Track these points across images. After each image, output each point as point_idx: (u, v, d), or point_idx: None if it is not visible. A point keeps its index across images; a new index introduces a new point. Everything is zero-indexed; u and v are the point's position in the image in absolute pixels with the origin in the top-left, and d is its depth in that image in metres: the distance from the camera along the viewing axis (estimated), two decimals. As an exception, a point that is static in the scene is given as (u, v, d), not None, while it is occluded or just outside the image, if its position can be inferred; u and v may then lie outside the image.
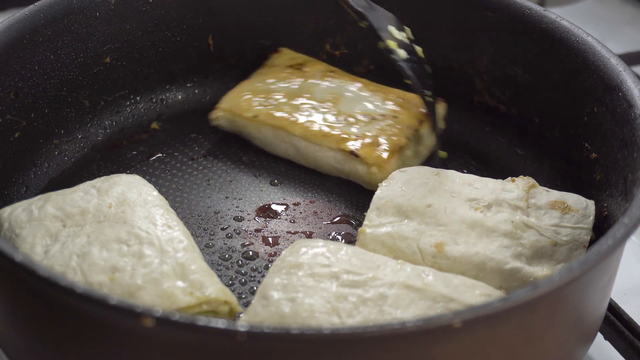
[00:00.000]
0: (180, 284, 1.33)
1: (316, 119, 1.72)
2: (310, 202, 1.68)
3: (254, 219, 1.64)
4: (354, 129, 1.69)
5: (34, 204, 1.47)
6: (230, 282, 1.51)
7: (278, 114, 1.73)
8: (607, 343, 1.49)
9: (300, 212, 1.65)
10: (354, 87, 1.80)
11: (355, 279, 1.29)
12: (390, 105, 1.76)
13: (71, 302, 1.13)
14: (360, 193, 1.68)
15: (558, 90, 1.68)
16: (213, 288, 1.34)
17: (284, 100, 1.76)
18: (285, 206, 1.67)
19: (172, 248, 1.38)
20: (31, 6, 1.66)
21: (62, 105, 1.75)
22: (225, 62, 1.93)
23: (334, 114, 1.73)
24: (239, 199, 1.68)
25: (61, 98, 1.74)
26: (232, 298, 1.36)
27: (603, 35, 1.75)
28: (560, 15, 1.70)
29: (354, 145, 1.66)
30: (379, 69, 1.93)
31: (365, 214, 1.51)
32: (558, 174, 1.63)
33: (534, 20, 1.71)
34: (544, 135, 1.73)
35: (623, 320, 1.48)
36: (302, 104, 1.75)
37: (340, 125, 1.70)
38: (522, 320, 1.17)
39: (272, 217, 1.64)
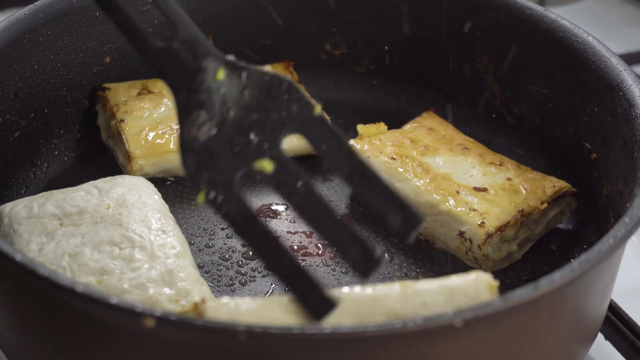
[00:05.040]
0: (166, 290, 1.33)
1: None
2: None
3: (254, 219, 1.63)
4: None
5: (36, 201, 1.48)
6: (230, 282, 1.51)
7: None
8: (608, 343, 1.49)
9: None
10: None
11: None
12: None
13: (71, 302, 1.13)
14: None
15: (558, 90, 1.68)
16: (199, 297, 1.33)
17: None
18: (285, 206, 1.67)
19: (164, 253, 1.38)
20: (31, 6, 1.65)
21: (62, 105, 1.75)
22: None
23: None
24: (239, 199, 1.68)
25: (61, 98, 1.74)
26: None
27: (603, 35, 1.74)
28: (561, 15, 1.70)
29: None
30: (379, 69, 1.93)
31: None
32: (558, 174, 1.63)
33: (534, 20, 1.71)
34: (544, 135, 1.73)
35: (623, 321, 1.48)
36: None
37: None
38: (522, 320, 1.17)
39: (272, 217, 1.64)
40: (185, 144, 1.09)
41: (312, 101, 1.15)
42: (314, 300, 1.11)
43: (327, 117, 1.12)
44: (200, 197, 1.08)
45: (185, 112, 1.10)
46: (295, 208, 1.12)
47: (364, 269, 1.12)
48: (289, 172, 1.10)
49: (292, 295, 1.12)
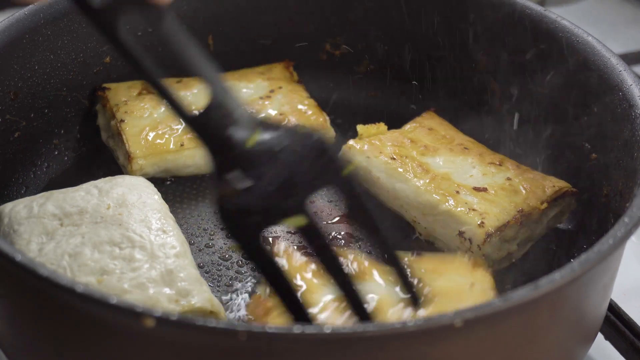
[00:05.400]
0: (166, 290, 1.33)
1: None
2: (310, 202, 1.67)
3: (254, 219, 1.64)
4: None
5: (36, 200, 1.48)
6: (230, 282, 1.51)
7: None
8: (608, 343, 1.49)
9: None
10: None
11: None
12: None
13: (71, 302, 1.13)
14: (361, 193, 1.68)
15: (558, 90, 1.68)
16: (199, 297, 1.33)
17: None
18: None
19: (164, 254, 1.38)
20: (31, 6, 1.65)
21: (62, 105, 1.75)
22: (226, 62, 1.92)
23: None
24: (239, 199, 1.68)
25: (61, 98, 1.74)
26: (219, 308, 1.35)
27: (603, 35, 1.74)
28: (561, 15, 1.70)
29: (291, 121, 1.72)
30: (379, 69, 1.93)
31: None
32: (558, 174, 1.63)
33: (534, 20, 1.71)
34: (544, 135, 1.72)
35: (623, 321, 1.48)
36: None
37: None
38: (522, 320, 1.17)
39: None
40: (222, 201, 1.13)
41: (342, 161, 1.20)
42: None
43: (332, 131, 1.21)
44: (236, 249, 1.15)
45: (222, 171, 1.15)
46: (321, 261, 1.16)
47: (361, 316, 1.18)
48: (317, 231, 1.15)
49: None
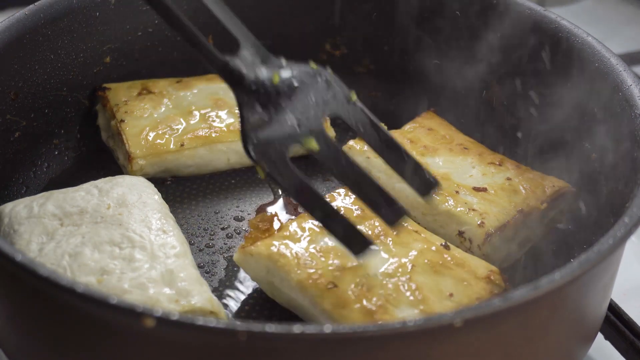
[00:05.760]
0: (166, 290, 1.33)
1: (232, 117, 1.73)
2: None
3: (254, 219, 1.64)
4: None
5: (36, 201, 1.48)
6: (230, 282, 1.50)
7: (200, 132, 1.70)
8: (608, 343, 1.49)
9: (300, 212, 1.65)
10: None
11: None
12: None
13: (71, 302, 1.13)
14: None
15: (558, 90, 1.68)
16: (199, 297, 1.33)
17: (184, 120, 1.72)
18: (285, 206, 1.67)
19: (164, 254, 1.38)
20: (31, 6, 1.66)
21: (62, 105, 1.75)
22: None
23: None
24: (239, 199, 1.68)
25: (61, 98, 1.74)
26: (219, 308, 1.35)
27: (603, 35, 1.74)
28: (561, 15, 1.70)
29: None
30: (379, 69, 1.93)
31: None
32: (558, 174, 1.63)
33: (534, 20, 1.71)
34: (544, 135, 1.72)
35: (623, 321, 1.48)
36: (204, 113, 1.74)
37: None
38: (522, 320, 1.17)
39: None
40: (246, 132, 1.28)
41: (347, 89, 1.36)
42: (357, 244, 1.30)
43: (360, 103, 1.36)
44: (261, 172, 1.28)
45: (246, 107, 1.30)
46: (338, 178, 1.34)
47: (392, 219, 1.33)
48: (330, 148, 1.32)
49: (340, 242, 1.31)
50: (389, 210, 1.33)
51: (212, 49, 1.30)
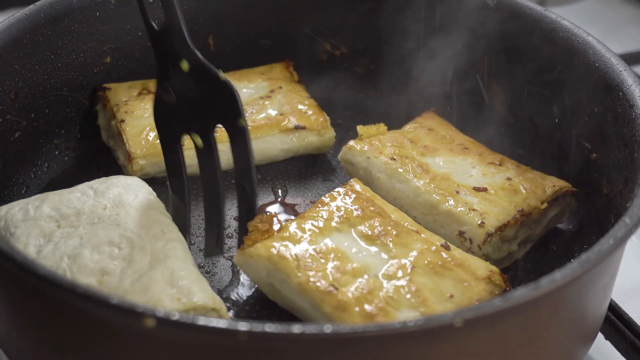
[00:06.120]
0: (168, 289, 1.32)
1: None
2: (310, 202, 1.68)
3: (254, 219, 1.64)
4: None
5: (31, 203, 1.47)
6: (231, 281, 1.50)
7: None
8: (608, 343, 1.49)
9: (300, 212, 1.65)
10: None
11: None
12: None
13: (71, 302, 1.13)
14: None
15: (558, 90, 1.68)
16: (201, 295, 1.33)
17: None
18: (285, 206, 1.67)
19: (163, 253, 1.38)
20: (31, 6, 1.66)
21: (62, 105, 1.75)
22: (226, 62, 1.92)
23: None
24: (239, 199, 1.68)
25: (61, 98, 1.74)
26: (221, 306, 1.35)
27: (603, 35, 1.74)
28: (561, 15, 1.70)
29: (292, 121, 1.74)
30: (379, 69, 1.93)
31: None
32: (558, 174, 1.63)
33: (534, 20, 1.71)
34: (544, 135, 1.73)
35: (624, 320, 1.48)
36: None
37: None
38: (522, 320, 1.17)
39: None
40: (156, 102, 1.48)
41: (242, 112, 1.42)
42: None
43: (249, 132, 1.44)
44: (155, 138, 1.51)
45: (162, 81, 1.46)
46: (201, 176, 1.47)
47: (209, 242, 1.51)
48: (211, 155, 1.45)
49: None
50: (212, 234, 1.49)
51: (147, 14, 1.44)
